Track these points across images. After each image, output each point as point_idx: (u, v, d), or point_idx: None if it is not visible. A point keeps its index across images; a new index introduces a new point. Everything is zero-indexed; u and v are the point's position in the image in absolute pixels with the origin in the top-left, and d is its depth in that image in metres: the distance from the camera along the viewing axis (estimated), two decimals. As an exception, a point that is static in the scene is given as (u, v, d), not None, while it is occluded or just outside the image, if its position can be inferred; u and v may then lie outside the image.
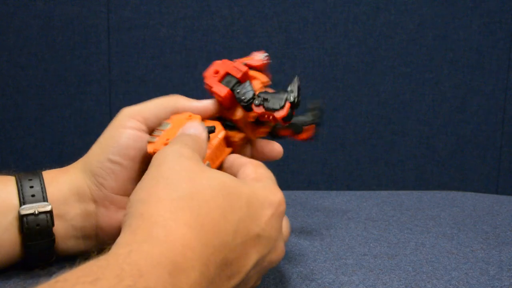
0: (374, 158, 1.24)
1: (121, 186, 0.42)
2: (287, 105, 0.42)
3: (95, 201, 0.42)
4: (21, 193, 0.41)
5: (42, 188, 0.41)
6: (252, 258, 0.32)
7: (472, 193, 0.67)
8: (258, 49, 0.49)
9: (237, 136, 0.45)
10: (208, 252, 0.29)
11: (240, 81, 0.44)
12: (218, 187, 0.32)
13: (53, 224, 0.40)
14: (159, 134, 0.41)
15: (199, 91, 1.26)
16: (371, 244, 0.50)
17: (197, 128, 0.39)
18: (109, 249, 0.28)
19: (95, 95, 1.21)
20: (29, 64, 1.19)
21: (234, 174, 0.39)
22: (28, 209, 0.40)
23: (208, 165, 0.40)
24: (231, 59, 0.48)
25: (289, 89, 0.43)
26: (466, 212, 0.60)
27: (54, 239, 0.41)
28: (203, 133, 0.39)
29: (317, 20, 1.18)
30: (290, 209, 0.60)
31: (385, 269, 0.44)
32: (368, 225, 0.55)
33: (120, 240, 0.28)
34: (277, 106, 0.42)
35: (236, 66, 0.44)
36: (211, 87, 0.44)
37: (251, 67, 0.47)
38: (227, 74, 0.44)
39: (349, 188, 1.25)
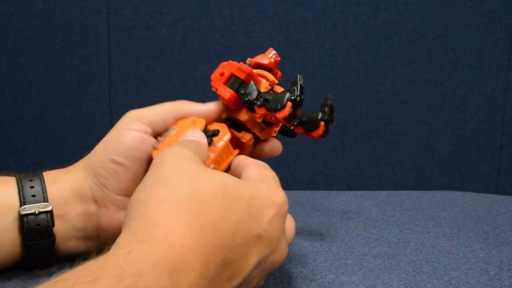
0: (374, 158, 1.24)
1: (123, 187, 0.42)
2: (289, 104, 0.41)
3: (96, 202, 0.42)
4: (21, 194, 0.41)
5: (42, 188, 0.41)
6: (253, 258, 0.32)
7: (472, 193, 0.67)
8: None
9: (245, 137, 0.45)
10: (208, 252, 0.29)
11: (245, 82, 0.44)
12: (218, 187, 0.32)
13: (53, 224, 0.40)
14: (164, 140, 0.42)
15: (199, 91, 1.27)
16: (371, 244, 0.50)
17: (197, 135, 0.39)
18: (109, 249, 0.28)
19: (95, 95, 1.21)
20: (29, 64, 1.19)
21: (239, 175, 0.39)
22: (28, 209, 0.40)
23: (214, 168, 0.40)
24: (231, 59, 0.48)
25: (290, 88, 0.43)
26: (466, 212, 0.60)
27: (54, 239, 0.41)
28: (203, 140, 0.39)
29: (317, 20, 1.18)
30: (290, 209, 0.60)
31: (385, 269, 0.44)
32: (368, 225, 0.55)
33: (119, 240, 0.28)
34: (278, 107, 0.41)
35: (240, 67, 0.44)
36: (216, 89, 0.44)
37: (259, 66, 0.47)
38: (232, 75, 0.44)
39: (349, 188, 1.25)
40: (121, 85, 1.20)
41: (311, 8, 1.18)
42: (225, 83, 0.44)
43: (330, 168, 1.24)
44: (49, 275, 0.42)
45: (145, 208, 0.30)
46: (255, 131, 0.45)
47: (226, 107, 0.45)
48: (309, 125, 0.47)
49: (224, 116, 0.46)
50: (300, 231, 0.53)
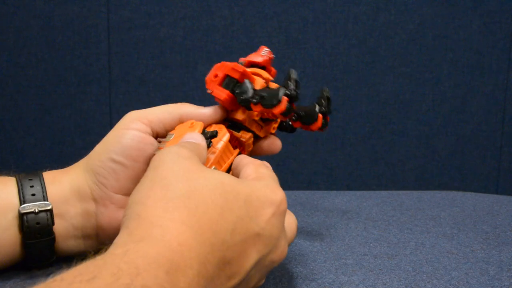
0: (374, 158, 1.24)
1: (122, 185, 0.42)
2: (284, 99, 0.41)
3: (95, 201, 0.42)
4: (21, 193, 0.41)
5: (42, 187, 0.41)
6: (252, 257, 0.32)
7: (472, 193, 0.67)
8: (258, 49, 0.49)
9: (244, 136, 0.45)
10: (205, 251, 0.29)
11: (239, 82, 0.44)
12: (215, 186, 0.32)
13: (53, 223, 0.41)
14: (163, 146, 0.42)
15: (199, 91, 1.27)
16: (371, 244, 0.50)
17: (195, 137, 0.39)
18: (106, 249, 0.28)
19: (95, 95, 1.21)
20: (29, 64, 1.19)
21: (238, 174, 0.39)
22: (28, 207, 0.40)
23: (215, 169, 0.40)
24: (231, 59, 0.48)
25: (285, 83, 0.42)
26: (466, 212, 0.60)
27: (54, 238, 0.41)
28: (202, 142, 0.39)
29: (317, 20, 1.18)
30: (290, 209, 0.60)
31: (385, 269, 0.44)
32: (368, 225, 0.55)
33: (117, 240, 0.29)
34: (274, 102, 0.41)
35: (234, 67, 0.44)
36: (212, 91, 0.44)
37: (253, 65, 0.47)
38: (226, 76, 0.44)
39: (349, 188, 1.25)
40: (121, 85, 1.20)
41: (311, 8, 1.18)
42: (220, 84, 0.44)
43: (330, 168, 1.24)
44: (47, 274, 0.42)
45: (143, 208, 0.30)
46: (254, 129, 0.45)
47: (224, 109, 0.45)
48: (307, 118, 0.47)
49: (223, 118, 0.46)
50: (300, 231, 0.53)
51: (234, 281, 0.31)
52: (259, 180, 0.36)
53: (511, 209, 0.61)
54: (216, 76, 0.44)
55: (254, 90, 0.43)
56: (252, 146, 0.46)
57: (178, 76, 1.20)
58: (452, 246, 0.49)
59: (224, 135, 0.43)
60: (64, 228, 0.42)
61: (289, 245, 0.37)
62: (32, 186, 0.41)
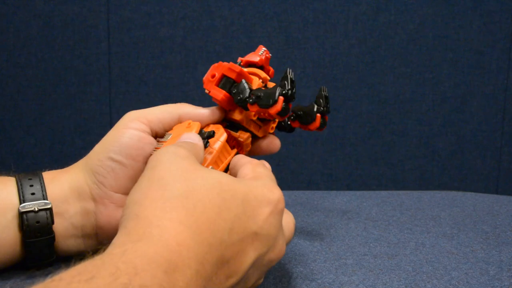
0: (374, 158, 1.24)
1: (121, 184, 0.42)
2: (280, 99, 0.41)
3: (94, 200, 0.42)
4: (21, 192, 0.41)
5: (42, 187, 0.41)
6: (250, 256, 0.32)
7: (472, 193, 0.67)
8: (256, 49, 0.49)
9: (242, 136, 0.45)
10: (203, 250, 0.29)
11: (236, 81, 0.44)
12: (213, 186, 0.32)
13: (52, 222, 0.41)
14: (160, 146, 0.42)
15: (199, 91, 1.27)
16: (371, 244, 0.50)
17: (192, 137, 0.39)
18: (105, 249, 0.28)
19: (95, 95, 1.21)
20: (29, 64, 1.19)
21: (235, 174, 0.39)
22: (28, 206, 0.40)
23: (212, 169, 0.40)
24: (231, 59, 0.48)
25: (281, 83, 0.42)
26: (466, 212, 0.60)
27: (54, 237, 0.41)
28: (199, 142, 0.39)
29: (317, 20, 1.18)
30: (290, 209, 0.60)
31: (385, 269, 0.44)
32: (368, 225, 0.55)
33: (115, 241, 0.29)
34: (270, 102, 0.41)
35: (231, 67, 0.44)
36: (209, 91, 0.44)
37: (251, 64, 0.47)
38: (223, 76, 0.44)
39: (349, 188, 1.25)
40: (121, 85, 1.20)
41: (311, 8, 1.18)
42: (217, 85, 0.44)
43: (330, 168, 1.24)
44: (46, 274, 0.42)
45: (140, 208, 0.30)
46: (252, 129, 0.45)
47: (223, 109, 0.45)
48: (306, 118, 0.47)
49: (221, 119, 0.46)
50: (300, 231, 0.53)
51: (233, 280, 0.31)
52: (256, 179, 0.36)
53: (511, 209, 0.61)
54: (213, 76, 0.44)
55: (251, 90, 0.43)
56: (250, 146, 0.46)
57: (178, 76, 1.20)
58: (452, 246, 0.49)
59: (221, 135, 0.43)
60: (64, 227, 0.42)
61: (287, 244, 0.37)
62: (31, 186, 0.41)
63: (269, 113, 0.42)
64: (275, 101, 0.41)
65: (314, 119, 0.46)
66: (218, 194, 0.31)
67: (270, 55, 0.48)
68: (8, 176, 0.43)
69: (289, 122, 0.49)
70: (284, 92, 0.41)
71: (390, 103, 1.22)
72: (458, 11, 1.18)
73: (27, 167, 1.22)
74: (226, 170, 0.42)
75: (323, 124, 0.47)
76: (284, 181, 1.23)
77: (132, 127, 0.42)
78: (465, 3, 1.18)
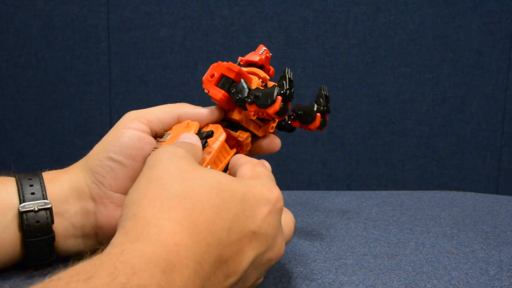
0: (374, 158, 1.24)
1: (121, 184, 0.42)
2: (278, 99, 0.41)
3: (93, 199, 0.42)
4: (20, 192, 0.41)
5: (42, 187, 0.41)
6: (248, 255, 0.32)
7: (472, 193, 0.67)
8: (256, 48, 0.49)
9: (242, 135, 0.45)
10: (202, 250, 0.29)
11: (235, 81, 0.44)
12: (211, 185, 0.32)
13: (52, 221, 0.41)
14: (159, 146, 0.42)
15: (199, 91, 1.27)
16: (371, 244, 0.50)
17: (191, 138, 0.39)
18: (103, 249, 0.28)
19: (95, 95, 1.21)
20: (29, 64, 1.19)
21: (234, 174, 0.39)
22: (27, 206, 0.40)
23: (211, 168, 0.40)
24: (231, 59, 0.48)
25: (279, 82, 0.42)
26: (466, 212, 0.60)
27: (53, 237, 0.41)
28: (198, 142, 0.39)
29: (317, 20, 1.18)
30: (290, 209, 0.60)
31: (385, 269, 0.44)
32: (368, 225, 0.55)
33: (114, 241, 0.29)
34: (268, 102, 0.41)
35: (230, 67, 0.44)
36: (208, 91, 0.44)
37: (251, 64, 0.47)
38: (222, 75, 0.44)
39: (349, 188, 1.25)
40: (121, 85, 1.20)
41: (311, 8, 1.18)
42: (217, 84, 0.44)
43: (330, 168, 1.24)
44: (45, 274, 0.42)
45: (139, 208, 0.30)
46: (251, 128, 0.45)
47: (222, 109, 0.45)
48: (306, 117, 0.47)
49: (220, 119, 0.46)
50: (300, 231, 0.53)
51: (231, 280, 0.31)
52: (255, 179, 0.36)
53: (511, 209, 0.61)
54: (212, 76, 0.44)
55: (250, 89, 0.43)
56: (250, 145, 0.46)
57: (178, 76, 1.20)
58: (452, 246, 0.49)
59: (220, 135, 0.43)
60: (64, 227, 0.42)
61: (287, 243, 0.37)
62: (31, 186, 0.41)
63: (267, 113, 0.42)
64: (273, 101, 0.41)
65: (314, 119, 0.46)
66: (216, 194, 0.31)
67: (271, 54, 0.48)
68: (8, 176, 0.43)
69: (289, 122, 0.49)
70: (282, 92, 0.41)
71: (390, 103, 1.22)
72: (458, 11, 1.18)
73: (27, 167, 1.22)
74: (226, 170, 0.42)
75: (323, 124, 0.47)
76: (284, 181, 1.23)
77: (132, 127, 0.42)
78: (465, 3, 1.18)
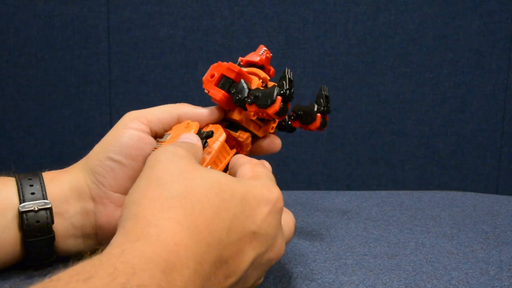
0: (374, 158, 1.24)
1: (121, 184, 0.42)
2: (278, 99, 0.41)
3: (93, 199, 0.42)
4: (20, 192, 0.41)
5: (42, 187, 0.41)
6: (248, 255, 0.32)
7: (472, 193, 0.67)
8: (257, 48, 0.49)
9: (242, 135, 0.45)
10: (202, 250, 0.29)
11: (235, 81, 0.44)
12: (211, 185, 0.32)
13: (52, 221, 0.41)
14: (159, 146, 0.42)
15: (199, 91, 1.27)
16: (371, 244, 0.50)
17: (191, 138, 0.39)
18: (103, 249, 0.28)
19: (95, 95, 1.21)
20: (29, 64, 1.19)
21: (234, 174, 0.39)
22: (28, 206, 0.40)
23: (211, 168, 0.40)
24: (231, 59, 0.48)
25: (279, 82, 0.42)
26: (466, 212, 0.60)
27: (53, 237, 0.41)
28: (198, 142, 0.39)
29: (317, 20, 1.18)
30: (290, 209, 0.60)
31: (385, 269, 0.44)
32: (368, 225, 0.55)
33: (113, 241, 0.29)
34: (268, 102, 0.41)
35: (230, 67, 0.44)
36: (208, 91, 0.44)
37: (251, 64, 0.47)
38: (222, 76, 0.44)
39: (349, 188, 1.25)
40: (121, 85, 1.20)
41: (311, 8, 1.18)
42: (217, 84, 0.44)
43: (330, 168, 1.24)
44: (44, 274, 0.42)
45: (139, 208, 0.30)
46: (252, 129, 0.45)
47: (222, 109, 0.45)
48: (306, 118, 0.47)
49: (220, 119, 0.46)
50: (300, 231, 0.53)
51: (232, 279, 0.31)
52: (255, 179, 0.36)
53: (511, 209, 0.61)
54: (212, 76, 0.44)
55: (249, 90, 0.43)
56: (250, 145, 0.46)
57: (178, 76, 1.20)
58: (452, 246, 0.49)
59: (220, 135, 0.43)
60: (64, 227, 0.42)
61: (287, 243, 0.37)
62: (31, 186, 0.41)
63: (267, 113, 0.42)
64: (273, 101, 0.41)
65: (314, 119, 0.46)
66: (216, 194, 0.31)
67: (271, 54, 0.48)
68: (8, 176, 0.43)
69: (289, 122, 0.49)
70: (282, 92, 0.41)
71: (390, 103, 1.22)
72: (458, 11, 1.18)
73: (27, 167, 1.22)
74: (226, 170, 0.42)
75: (323, 124, 0.47)
76: (284, 181, 1.23)
77: (132, 127, 0.42)
78: (465, 3, 1.18)
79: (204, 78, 0.45)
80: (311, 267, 0.45)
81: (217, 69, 0.44)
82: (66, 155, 1.22)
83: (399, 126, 1.23)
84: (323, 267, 0.45)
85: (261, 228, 0.33)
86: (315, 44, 1.19)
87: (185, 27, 1.18)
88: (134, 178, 0.41)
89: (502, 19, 1.18)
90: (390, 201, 0.64)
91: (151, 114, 0.44)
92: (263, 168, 0.38)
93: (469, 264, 0.45)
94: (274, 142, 0.47)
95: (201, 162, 0.39)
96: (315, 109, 0.46)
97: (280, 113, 0.42)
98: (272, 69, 0.48)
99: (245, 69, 0.45)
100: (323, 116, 0.47)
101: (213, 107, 0.45)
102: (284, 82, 0.42)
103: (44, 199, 0.41)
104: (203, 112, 0.44)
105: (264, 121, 0.46)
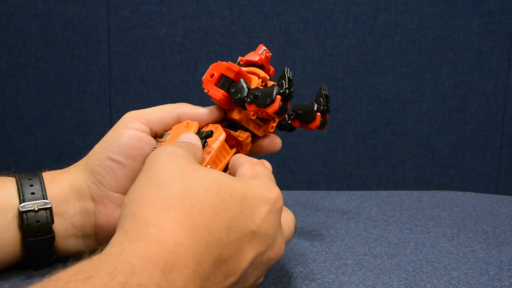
0: (374, 158, 1.24)
1: (121, 184, 0.42)
2: (278, 98, 0.41)
3: (93, 199, 0.42)
4: (20, 192, 0.41)
5: (42, 186, 0.41)
6: (248, 255, 0.32)
7: (472, 193, 0.67)
8: (256, 48, 0.48)
9: (242, 135, 0.45)
10: (201, 250, 0.29)
11: (234, 81, 0.44)
12: (211, 185, 0.32)
13: (52, 221, 0.41)
14: (159, 146, 0.42)
15: (199, 91, 1.27)
16: (371, 244, 0.50)
17: (191, 137, 0.39)
18: (102, 249, 0.28)
19: (95, 95, 1.21)
20: (29, 64, 1.19)
21: (234, 174, 0.39)
22: (27, 206, 0.40)
23: (210, 168, 0.40)
24: (231, 59, 0.48)
25: (279, 82, 0.42)
26: (466, 212, 0.60)
27: (53, 237, 0.41)
28: (197, 142, 0.39)
29: (317, 20, 1.18)
30: (290, 209, 0.60)
31: (385, 269, 0.44)
32: (368, 225, 0.55)
33: (113, 240, 0.29)
34: (267, 101, 0.41)
35: (229, 67, 0.44)
36: (208, 91, 0.44)
37: (251, 64, 0.47)
38: (222, 75, 0.44)
39: (349, 188, 1.25)
40: (121, 85, 1.20)
41: (311, 8, 1.18)
42: (216, 84, 0.44)
43: (330, 168, 1.24)
44: (44, 274, 0.42)
45: (138, 208, 0.30)
46: (251, 128, 0.45)
47: (222, 109, 0.45)
48: (306, 117, 0.47)
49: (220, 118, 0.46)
50: (300, 231, 0.53)
51: (231, 279, 0.31)
52: (255, 178, 0.36)
53: (511, 209, 0.61)
54: (212, 75, 0.44)
55: (249, 89, 0.43)
56: (250, 145, 0.46)
57: (178, 76, 1.20)
58: (452, 246, 0.49)
59: (220, 135, 0.43)
60: (64, 227, 0.42)
61: (287, 242, 0.37)
62: (31, 185, 0.41)
63: (266, 112, 0.42)
64: (273, 100, 0.41)
65: (314, 118, 0.46)
66: (216, 194, 0.31)
67: (271, 54, 0.48)
68: (8, 176, 0.43)
69: (289, 121, 0.49)
70: (281, 91, 0.41)
71: (390, 103, 1.22)
72: (458, 11, 1.18)
73: (27, 167, 1.22)
74: (225, 169, 0.42)
75: (323, 123, 0.47)
76: (284, 181, 1.23)
77: (132, 127, 0.42)
78: (465, 3, 1.18)
79: (203, 77, 0.45)
80: (311, 267, 0.45)
81: (217, 68, 0.44)
82: (66, 155, 1.22)
83: (399, 126, 1.23)
84: (323, 267, 0.45)
85: (260, 227, 0.33)
86: (315, 44, 1.19)
87: (185, 27, 1.18)
88: (133, 178, 0.41)
89: (502, 19, 1.18)
90: (390, 201, 0.64)
91: (151, 114, 0.44)
92: (263, 168, 0.38)
93: (469, 264, 0.45)
94: (274, 142, 0.47)
95: (201, 161, 0.39)
96: (315, 108, 0.46)
97: (280, 112, 0.42)
98: (271, 69, 0.48)
99: (244, 69, 0.45)
100: (323, 116, 0.47)
101: (212, 107, 0.45)
102: (283, 81, 0.42)
103: (44, 199, 0.41)
104: (202, 111, 0.44)
105: (264, 120, 0.46)
